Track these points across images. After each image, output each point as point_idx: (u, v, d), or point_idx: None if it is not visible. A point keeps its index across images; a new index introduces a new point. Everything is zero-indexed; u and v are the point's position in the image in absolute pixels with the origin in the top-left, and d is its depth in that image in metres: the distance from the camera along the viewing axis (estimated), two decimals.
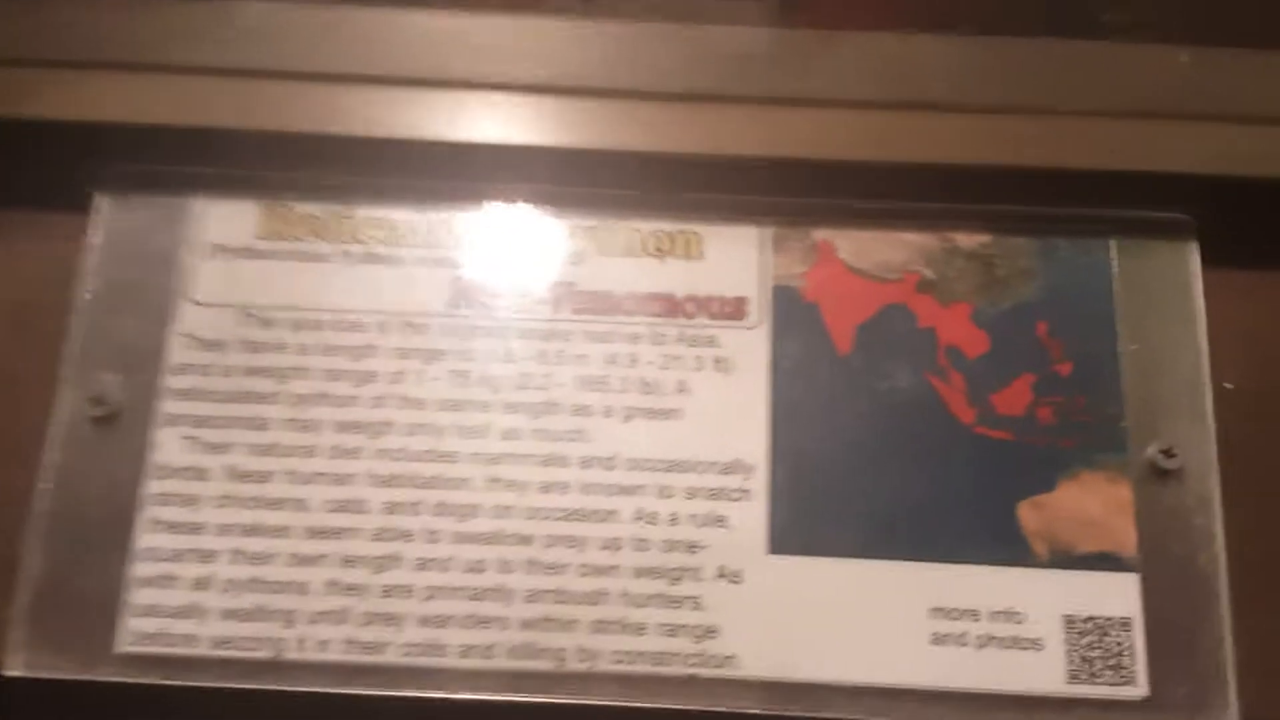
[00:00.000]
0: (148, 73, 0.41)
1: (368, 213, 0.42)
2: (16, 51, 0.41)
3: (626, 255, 0.42)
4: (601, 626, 0.38)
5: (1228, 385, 0.41)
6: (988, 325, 0.41)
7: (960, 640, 0.38)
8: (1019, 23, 0.42)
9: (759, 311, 0.41)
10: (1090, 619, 0.38)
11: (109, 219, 0.42)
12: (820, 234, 0.42)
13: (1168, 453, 0.39)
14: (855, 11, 0.42)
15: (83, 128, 0.41)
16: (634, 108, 0.41)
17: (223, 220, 0.42)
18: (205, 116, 0.41)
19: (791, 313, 0.41)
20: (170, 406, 0.40)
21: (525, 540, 0.39)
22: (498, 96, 0.41)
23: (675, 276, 0.42)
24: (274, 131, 0.41)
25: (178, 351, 0.40)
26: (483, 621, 0.38)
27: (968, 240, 0.42)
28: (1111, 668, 0.38)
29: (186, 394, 0.40)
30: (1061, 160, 0.40)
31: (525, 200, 0.42)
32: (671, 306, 0.41)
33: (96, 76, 0.41)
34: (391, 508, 0.39)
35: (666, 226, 0.42)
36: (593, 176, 0.42)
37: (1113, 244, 0.42)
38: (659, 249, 0.42)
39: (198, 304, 0.41)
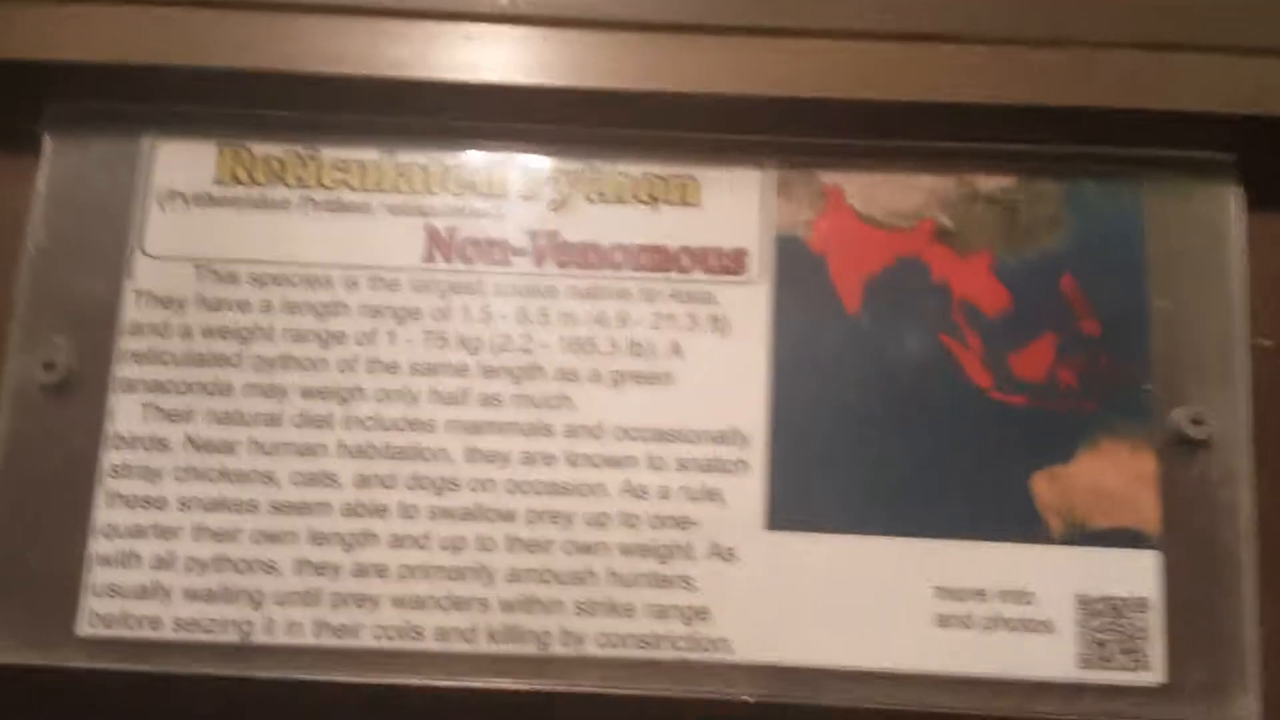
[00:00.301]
0: (98, 5, 0.37)
1: (334, 154, 0.39)
2: None
3: (616, 202, 0.39)
4: (587, 608, 0.36)
5: (1265, 342, 0.38)
6: (1008, 279, 0.38)
7: (966, 622, 0.36)
8: None
9: (760, 265, 0.38)
10: (1105, 599, 0.36)
11: (57, 163, 0.38)
12: (828, 178, 0.39)
13: (1196, 420, 0.36)
14: None
15: (28, 65, 0.37)
16: (623, 40, 0.37)
17: (178, 163, 0.39)
18: (158, 53, 0.37)
19: (796, 266, 0.38)
20: (126, 370, 0.37)
21: (507, 516, 0.36)
22: (474, 27, 0.37)
23: (669, 226, 0.38)
24: (232, 68, 0.37)
25: (132, 309, 0.38)
26: (462, 603, 0.36)
27: (988, 183, 0.38)
28: (1126, 652, 0.36)
29: (143, 357, 0.37)
30: (1091, 98, 0.36)
31: (505, 141, 0.39)
32: (665, 259, 0.38)
33: (43, 10, 0.37)
34: (363, 481, 0.36)
35: (660, 170, 0.39)
36: (579, 115, 0.38)
37: (1145, 187, 0.38)
38: (651, 195, 0.39)
39: (153, 257, 0.38)
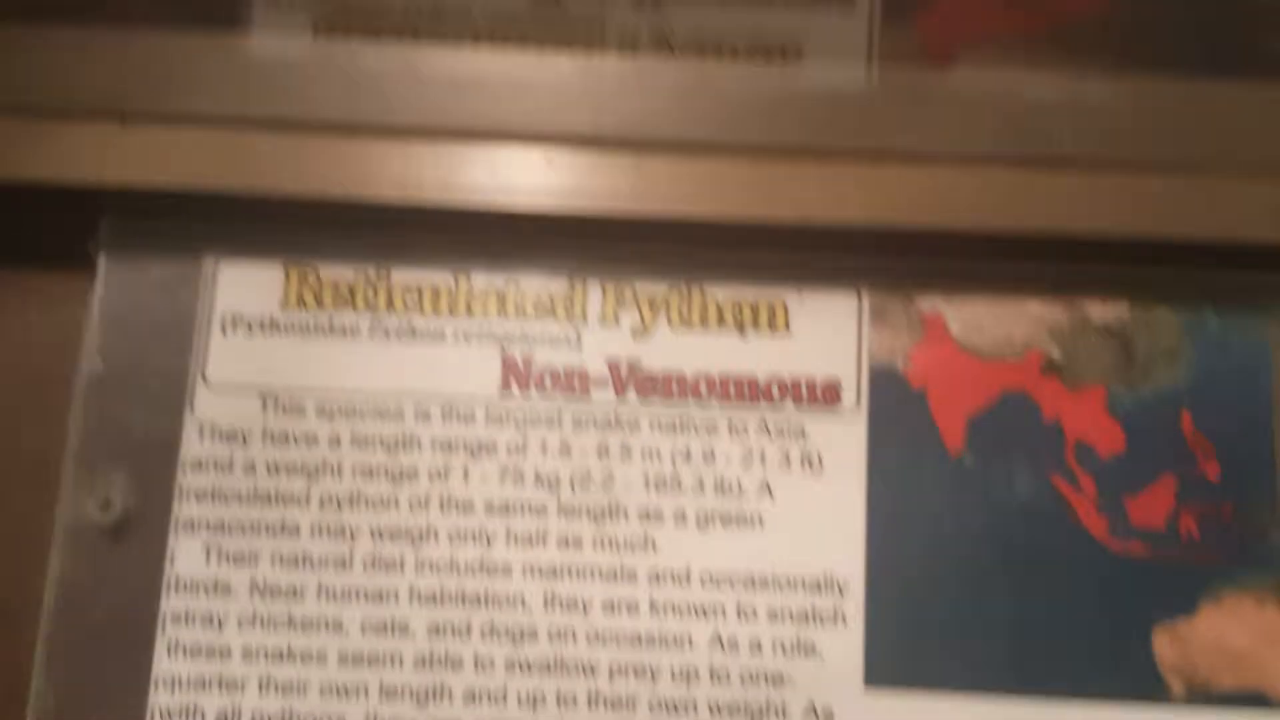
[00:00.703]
0: (160, 127, 0.36)
1: (405, 277, 0.37)
2: (16, 101, 0.36)
3: (701, 329, 0.37)
4: None
5: None
6: (1124, 417, 0.35)
7: None
8: (1167, 58, 0.35)
9: (855, 397, 0.36)
10: None
11: (112, 285, 0.37)
12: (927, 304, 0.36)
13: None
14: (968, 42, 0.36)
15: (86, 188, 0.35)
16: (708, 164, 0.35)
17: (242, 286, 0.37)
18: (222, 179, 0.35)
19: (893, 400, 0.36)
20: (188, 509, 0.35)
21: (588, 669, 0.34)
22: (556, 152, 0.35)
23: (758, 354, 0.36)
24: (297, 195, 0.35)
25: (194, 443, 0.36)
26: None
27: (1101, 312, 0.36)
28: None
29: (205, 494, 0.35)
30: (1220, 230, 0.34)
31: (583, 265, 0.37)
32: (753, 391, 0.36)
33: (102, 130, 0.36)
34: (436, 629, 0.34)
35: (747, 295, 0.37)
36: (662, 238, 0.36)
37: (1273, 317, 0.36)
38: (739, 321, 0.37)
39: (215, 386, 0.36)
